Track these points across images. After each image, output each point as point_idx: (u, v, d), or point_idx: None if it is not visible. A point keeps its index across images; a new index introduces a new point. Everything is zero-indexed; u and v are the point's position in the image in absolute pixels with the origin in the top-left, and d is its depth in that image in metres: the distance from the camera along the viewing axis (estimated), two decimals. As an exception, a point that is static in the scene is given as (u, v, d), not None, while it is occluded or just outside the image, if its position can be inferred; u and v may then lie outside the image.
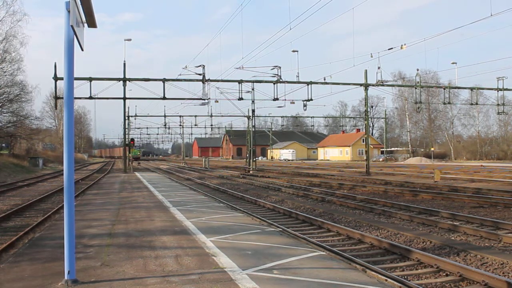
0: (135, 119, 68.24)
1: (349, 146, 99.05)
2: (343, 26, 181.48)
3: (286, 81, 36.52)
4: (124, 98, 38.37)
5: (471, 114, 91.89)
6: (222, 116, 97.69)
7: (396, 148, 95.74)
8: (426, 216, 14.32)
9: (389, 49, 31.27)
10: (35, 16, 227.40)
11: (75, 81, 6.33)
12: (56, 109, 74.34)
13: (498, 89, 41.11)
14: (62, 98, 30.79)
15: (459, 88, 43.77)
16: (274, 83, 36.43)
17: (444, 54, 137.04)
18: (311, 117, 76.68)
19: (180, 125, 73.04)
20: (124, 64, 38.12)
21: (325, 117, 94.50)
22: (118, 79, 36.61)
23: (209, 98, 37.76)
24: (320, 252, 8.42)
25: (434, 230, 12.41)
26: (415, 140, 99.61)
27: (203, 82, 35.52)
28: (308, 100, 38.41)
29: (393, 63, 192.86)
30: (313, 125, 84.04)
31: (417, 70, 41.58)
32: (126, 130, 48.89)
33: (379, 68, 36.01)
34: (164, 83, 35.98)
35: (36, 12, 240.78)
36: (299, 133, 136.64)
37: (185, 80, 35.82)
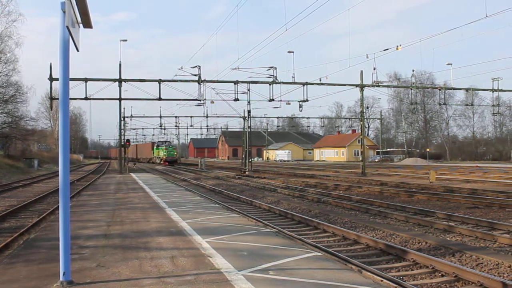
0: (130, 120, 67.89)
1: (344, 147, 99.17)
2: (339, 26, 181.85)
3: (282, 82, 36.56)
4: (120, 99, 38.30)
5: (466, 115, 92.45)
6: (218, 117, 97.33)
7: (391, 149, 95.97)
8: (421, 217, 14.36)
9: (384, 50, 31.37)
10: (30, 16, 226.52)
11: (70, 82, 6.31)
12: (51, 110, 74.04)
13: (493, 90, 41.26)
14: (58, 99, 30.67)
15: (454, 89, 43.95)
16: (269, 84, 36.46)
17: (439, 55, 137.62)
18: (307, 118, 76.46)
19: (176, 126, 72.86)
20: (120, 65, 38.07)
21: (321, 118, 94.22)
22: (114, 80, 36.52)
23: (205, 99, 37.75)
24: (316, 252, 8.42)
25: (429, 230, 12.44)
26: (410, 141, 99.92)
27: (198, 83, 35.52)
28: (303, 101, 38.48)
29: (389, 63, 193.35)
30: (308, 126, 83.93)
31: (413, 71, 41.67)
32: (122, 131, 48.63)
33: (374, 69, 36.15)
34: (159, 84, 35.98)
35: (31, 12, 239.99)
36: (295, 133, 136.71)
37: (181, 81, 35.82)
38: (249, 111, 46.14)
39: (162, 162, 76.35)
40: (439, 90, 43.76)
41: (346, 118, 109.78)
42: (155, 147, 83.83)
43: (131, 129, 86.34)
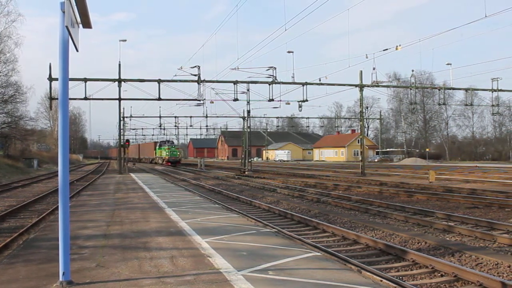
0: (130, 120, 67.82)
1: (344, 147, 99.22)
2: (338, 26, 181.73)
3: (281, 82, 36.55)
4: (120, 99, 38.28)
5: (466, 115, 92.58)
6: (218, 117, 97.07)
7: (391, 149, 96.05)
8: (421, 217, 14.37)
9: (384, 50, 31.38)
10: (30, 16, 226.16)
11: (70, 82, 6.31)
12: (51, 110, 74.04)
13: (492, 90, 41.27)
14: (57, 99, 30.71)
15: (454, 89, 43.94)
16: (269, 84, 36.44)
17: (439, 55, 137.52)
18: (307, 118, 76.46)
19: (176, 126, 72.72)
20: (119, 65, 38.02)
21: (321, 118, 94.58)
22: (113, 80, 36.51)
23: (205, 99, 37.81)
24: (315, 252, 8.42)
25: (429, 230, 12.45)
26: (410, 141, 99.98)
27: (198, 83, 35.52)
28: (303, 101, 38.49)
29: (388, 64, 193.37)
30: (308, 126, 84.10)
31: (412, 71, 41.73)
32: (121, 131, 48.59)
33: (374, 69, 36.09)
34: (159, 84, 35.98)
35: (31, 12, 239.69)
36: (295, 133, 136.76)
37: (180, 81, 35.82)
38: (248, 111, 46.15)
39: (164, 162, 72.17)
40: (439, 90, 43.82)
41: (346, 118, 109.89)
42: (157, 147, 79.68)
43: (130, 129, 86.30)
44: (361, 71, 38.49)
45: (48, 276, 6.44)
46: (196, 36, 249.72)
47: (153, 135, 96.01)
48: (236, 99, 37.03)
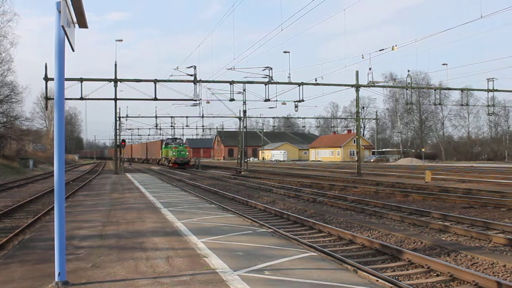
0: (126, 120, 67.48)
1: (340, 147, 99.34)
2: (335, 26, 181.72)
3: (278, 82, 36.53)
4: (116, 99, 38.21)
5: (461, 115, 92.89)
6: (214, 117, 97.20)
7: (387, 149, 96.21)
8: (417, 217, 14.39)
9: (380, 50, 31.45)
10: (26, 16, 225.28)
11: (66, 82, 6.29)
12: (46, 110, 73.64)
13: (488, 90, 41.35)
14: (53, 99, 30.60)
15: (449, 89, 44.11)
16: (265, 84, 36.43)
17: (435, 55, 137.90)
18: (303, 118, 76.33)
19: (172, 126, 72.37)
20: (115, 65, 37.94)
21: (317, 118, 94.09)
22: (109, 80, 36.42)
23: (201, 99, 37.75)
24: (311, 252, 8.43)
25: (425, 230, 12.47)
26: (406, 141, 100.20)
27: (194, 83, 35.47)
28: (299, 101, 38.46)
29: (384, 64, 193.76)
30: (304, 126, 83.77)
31: (408, 71, 41.80)
32: (117, 131, 48.42)
33: (370, 69, 36.20)
34: (155, 84, 35.92)
35: (28, 12, 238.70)
36: (291, 134, 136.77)
37: (176, 81, 35.75)
38: (244, 111, 46.16)
39: (171, 164, 63.14)
40: (435, 90, 43.91)
41: (342, 118, 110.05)
42: (163, 146, 70.84)
43: (126, 129, 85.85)
44: (357, 71, 38.59)
45: (43, 277, 6.42)
46: (192, 36, 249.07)
47: (149, 135, 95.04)
48: (232, 99, 37.00)
